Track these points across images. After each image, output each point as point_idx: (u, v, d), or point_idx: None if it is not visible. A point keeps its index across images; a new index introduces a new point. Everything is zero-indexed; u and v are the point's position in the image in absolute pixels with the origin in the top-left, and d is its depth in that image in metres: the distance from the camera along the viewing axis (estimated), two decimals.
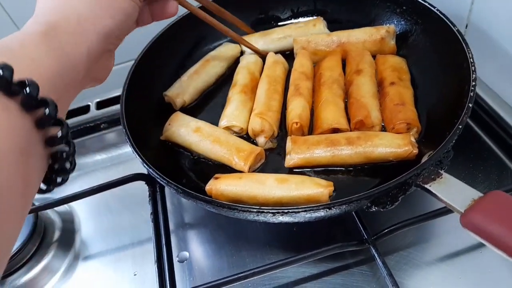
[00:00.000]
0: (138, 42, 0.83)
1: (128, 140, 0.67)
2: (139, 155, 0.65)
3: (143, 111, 0.80)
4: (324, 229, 0.73)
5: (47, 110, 0.38)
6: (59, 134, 0.40)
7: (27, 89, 0.37)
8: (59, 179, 0.44)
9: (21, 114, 0.37)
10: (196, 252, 0.76)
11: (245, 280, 0.64)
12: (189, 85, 0.86)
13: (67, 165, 0.43)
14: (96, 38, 0.50)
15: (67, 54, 0.46)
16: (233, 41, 0.96)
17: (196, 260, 0.75)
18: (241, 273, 0.63)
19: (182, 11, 0.78)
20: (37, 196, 0.43)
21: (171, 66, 0.94)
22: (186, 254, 0.75)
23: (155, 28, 0.85)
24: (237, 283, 0.63)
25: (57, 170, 0.43)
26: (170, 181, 0.61)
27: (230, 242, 0.76)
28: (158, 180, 0.63)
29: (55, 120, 0.40)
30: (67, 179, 0.45)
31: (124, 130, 0.69)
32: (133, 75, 0.80)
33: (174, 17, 0.85)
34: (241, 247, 0.74)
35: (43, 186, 0.43)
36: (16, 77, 0.37)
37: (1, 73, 0.36)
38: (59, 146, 0.41)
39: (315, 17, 0.99)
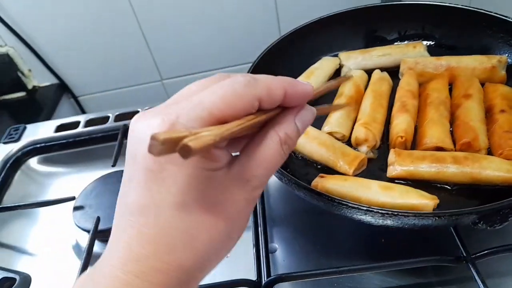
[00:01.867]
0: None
1: None
2: None
3: None
4: (413, 244, 0.74)
5: None
6: None
7: None
8: None
9: None
10: (282, 245, 0.81)
11: (331, 277, 0.68)
12: None
13: None
14: None
15: None
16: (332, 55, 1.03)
17: (283, 252, 0.80)
18: (328, 268, 0.68)
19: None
20: None
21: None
22: (275, 245, 0.81)
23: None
24: (324, 277, 0.69)
25: None
26: (284, 171, 0.67)
27: (314, 242, 0.80)
28: None
29: None
30: None
31: None
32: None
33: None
34: (327, 248, 0.78)
35: None
36: None
37: None
38: None
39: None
